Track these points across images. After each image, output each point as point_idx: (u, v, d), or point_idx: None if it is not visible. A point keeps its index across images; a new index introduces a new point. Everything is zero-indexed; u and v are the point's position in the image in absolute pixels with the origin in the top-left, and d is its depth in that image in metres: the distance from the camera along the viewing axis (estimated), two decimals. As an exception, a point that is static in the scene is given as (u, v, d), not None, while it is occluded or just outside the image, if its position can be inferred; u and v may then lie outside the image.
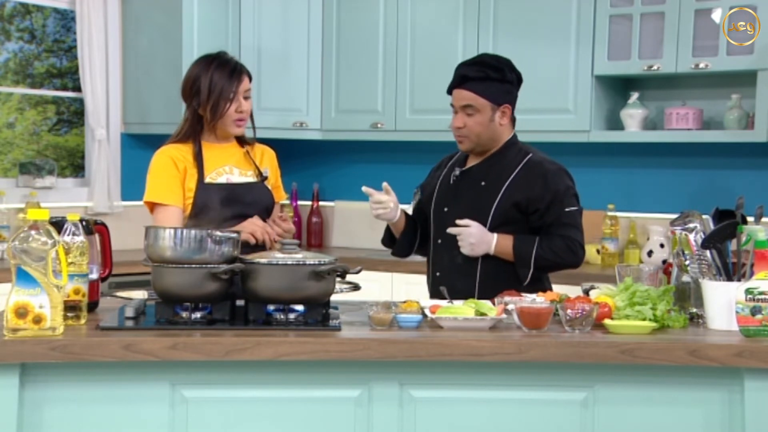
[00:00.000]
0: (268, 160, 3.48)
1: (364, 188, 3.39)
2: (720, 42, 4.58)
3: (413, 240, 3.54)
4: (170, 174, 3.28)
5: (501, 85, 3.31)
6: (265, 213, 3.40)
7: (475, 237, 3.25)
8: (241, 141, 3.45)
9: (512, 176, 3.31)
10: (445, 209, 3.39)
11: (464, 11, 5.28)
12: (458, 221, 3.28)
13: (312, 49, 5.75)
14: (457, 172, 3.42)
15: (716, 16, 4.62)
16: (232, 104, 3.29)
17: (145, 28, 5.52)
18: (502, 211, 3.28)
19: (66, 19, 5.58)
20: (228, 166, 3.35)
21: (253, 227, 3.17)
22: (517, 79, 3.35)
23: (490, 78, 3.29)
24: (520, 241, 3.26)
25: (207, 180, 3.30)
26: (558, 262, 3.27)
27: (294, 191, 6.05)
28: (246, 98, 3.34)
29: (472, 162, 3.42)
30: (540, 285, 3.29)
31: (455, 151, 3.54)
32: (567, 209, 3.27)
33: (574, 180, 3.36)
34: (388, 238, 3.59)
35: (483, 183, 3.34)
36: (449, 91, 3.40)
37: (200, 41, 5.38)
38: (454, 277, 3.34)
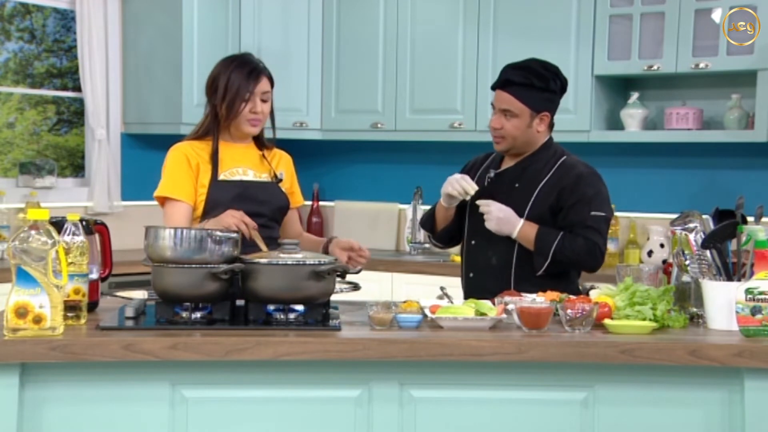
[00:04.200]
0: (284, 164, 3.49)
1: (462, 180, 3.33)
2: (720, 42, 4.58)
3: (455, 233, 3.55)
4: (183, 170, 3.28)
5: (543, 94, 3.34)
6: (279, 214, 3.39)
7: (503, 212, 3.26)
8: (260, 144, 3.45)
9: (546, 179, 3.34)
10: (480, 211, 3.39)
11: (464, 11, 5.28)
12: (480, 201, 3.30)
13: (312, 49, 5.75)
14: (492, 174, 3.44)
15: (716, 16, 4.62)
16: (247, 104, 3.29)
17: (145, 28, 5.52)
18: (536, 213, 3.30)
19: (66, 19, 5.58)
20: (242, 167, 3.36)
21: (229, 219, 3.13)
22: (561, 87, 3.39)
23: (534, 86, 3.32)
24: (543, 232, 3.27)
25: (221, 177, 3.31)
26: (576, 260, 3.27)
27: (294, 191, 6.05)
28: (264, 101, 3.33)
29: (506, 164, 3.44)
30: (568, 286, 3.27)
31: (484, 152, 3.57)
32: (593, 213, 3.28)
33: (606, 186, 3.37)
34: (430, 225, 3.58)
35: (517, 185, 3.36)
36: (493, 89, 3.41)
37: (200, 41, 5.39)
38: (488, 278, 3.36)
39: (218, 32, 5.48)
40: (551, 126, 3.43)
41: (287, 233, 3.42)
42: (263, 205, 3.33)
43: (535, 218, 3.30)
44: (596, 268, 3.33)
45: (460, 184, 3.31)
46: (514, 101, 3.31)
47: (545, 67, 3.37)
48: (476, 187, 3.31)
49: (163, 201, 3.31)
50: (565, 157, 3.39)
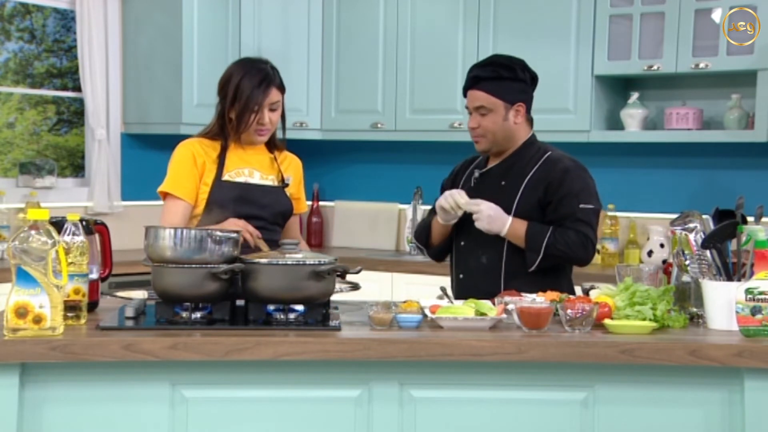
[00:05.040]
0: (293, 169, 3.48)
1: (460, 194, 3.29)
2: (720, 42, 4.58)
3: (449, 249, 3.52)
4: (187, 168, 3.29)
5: (513, 84, 3.32)
6: (281, 218, 3.39)
7: (493, 210, 3.24)
8: (271, 146, 3.44)
9: (531, 174, 3.32)
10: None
11: (464, 11, 5.29)
12: (467, 201, 3.27)
13: (312, 49, 5.75)
14: (476, 174, 3.43)
15: (716, 16, 4.62)
16: (256, 115, 3.28)
17: (145, 28, 5.52)
18: (524, 209, 3.28)
19: (66, 19, 5.58)
20: (249, 168, 3.35)
21: (233, 228, 3.13)
22: (531, 79, 3.37)
23: (501, 77, 3.30)
24: (534, 227, 3.25)
25: (225, 178, 3.30)
26: (568, 254, 3.24)
27: (294, 191, 6.05)
28: (272, 110, 3.32)
29: (492, 163, 3.43)
30: (558, 287, 3.23)
31: (472, 155, 3.55)
32: (582, 205, 3.26)
33: (594, 180, 3.36)
34: (425, 237, 3.53)
35: (503, 183, 3.35)
36: (464, 94, 3.39)
37: (200, 41, 5.39)
38: (478, 278, 3.34)
39: (218, 32, 5.48)
40: (531, 122, 3.40)
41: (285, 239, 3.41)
42: (264, 208, 3.32)
43: (523, 214, 3.28)
44: (588, 261, 3.32)
45: (453, 198, 3.27)
46: (486, 97, 3.30)
47: (510, 59, 3.36)
48: (464, 202, 3.27)
49: (165, 196, 3.32)
50: (549, 152, 3.37)
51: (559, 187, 3.27)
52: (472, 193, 3.36)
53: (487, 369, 2.61)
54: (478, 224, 3.26)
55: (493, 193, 3.32)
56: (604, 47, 4.89)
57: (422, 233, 3.54)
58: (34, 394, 2.51)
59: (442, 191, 3.55)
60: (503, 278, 3.31)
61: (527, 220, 3.28)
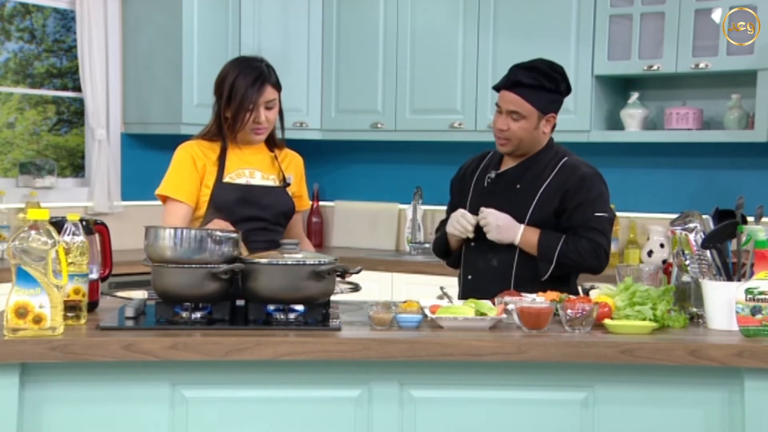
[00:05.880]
0: (294, 167, 3.47)
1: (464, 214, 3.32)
2: (720, 42, 4.58)
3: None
4: (187, 171, 3.28)
5: (551, 95, 3.30)
6: (283, 218, 3.38)
7: (502, 220, 3.23)
8: (271, 144, 3.44)
9: (548, 180, 3.30)
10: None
11: (464, 11, 5.28)
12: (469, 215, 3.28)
13: (312, 49, 5.75)
14: (492, 174, 3.40)
15: (716, 16, 4.62)
16: (251, 114, 3.26)
17: (145, 28, 5.52)
18: (540, 216, 3.27)
19: (66, 19, 5.58)
20: (249, 169, 3.34)
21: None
22: (566, 88, 3.35)
23: (544, 87, 3.27)
24: (546, 236, 3.24)
25: (226, 179, 3.30)
26: (580, 262, 3.24)
27: (294, 191, 6.05)
28: (268, 108, 3.30)
29: (507, 164, 3.40)
30: (568, 289, 3.23)
31: (480, 151, 3.54)
32: (597, 214, 3.25)
33: (608, 187, 3.35)
34: (443, 251, 3.52)
35: (518, 186, 3.33)
36: (498, 89, 3.36)
37: (200, 41, 5.39)
38: (488, 280, 3.31)
39: (218, 32, 5.48)
40: (554, 126, 3.39)
41: (287, 236, 3.40)
42: (265, 209, 3.31)
43: (538, 221, 3.27)
44: (600, 270, 3.30)
45: (461, 224, 3.28)
46: (523, 103, 3.27)
47: (553, 68, 3.33)
48: (474, 222, 3.27)
49: (164, 200, 3.31)
50: (566, 158, 3.35)
51: (575, 195, 3.26)
52: (486, 195, 3.34)
53: (487, 369, 2.61)
54: (489, 236, 3.25)
55: (508, 196, 3.31)
56: (604, 47, 4.90)
57: (439, 248, 3.53)
58: (34, 394, 2.51)
59: (452, 190, 3.55)
60: (513, 283, 3.28)
61: (541, 227, 3.27)
